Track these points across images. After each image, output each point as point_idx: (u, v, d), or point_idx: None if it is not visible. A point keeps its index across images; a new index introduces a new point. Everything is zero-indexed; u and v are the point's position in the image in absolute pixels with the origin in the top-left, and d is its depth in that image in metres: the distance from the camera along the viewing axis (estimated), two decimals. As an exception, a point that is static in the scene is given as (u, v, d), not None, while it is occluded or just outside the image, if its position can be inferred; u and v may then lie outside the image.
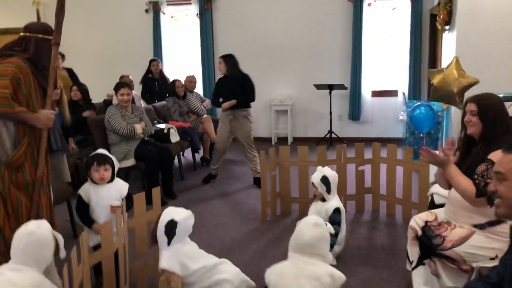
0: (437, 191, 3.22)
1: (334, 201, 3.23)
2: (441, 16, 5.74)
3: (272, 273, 2.30)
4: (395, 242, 3.54)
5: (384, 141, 7.26)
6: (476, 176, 2.37)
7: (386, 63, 7.52)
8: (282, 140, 7.96)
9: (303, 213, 4.14)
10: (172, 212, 2.29)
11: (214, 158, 5.35)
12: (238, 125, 5.16)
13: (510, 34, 5.22)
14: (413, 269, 2.67)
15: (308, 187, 4.11)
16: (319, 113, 7.81)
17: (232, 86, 5.14)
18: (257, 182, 5.16)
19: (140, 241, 2.76)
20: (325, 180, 3.22)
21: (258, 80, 7.83)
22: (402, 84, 7.45)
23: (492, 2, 5.22)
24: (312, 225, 2.32)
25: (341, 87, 7.25)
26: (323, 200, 3.27)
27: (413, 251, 2.70)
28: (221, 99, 5.22)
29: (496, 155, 2.33)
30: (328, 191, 3.23)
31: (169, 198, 4.76)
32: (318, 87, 7.34)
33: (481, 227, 2.45)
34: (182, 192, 5.04)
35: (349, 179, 4.30)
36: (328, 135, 7.44)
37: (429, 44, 7.30)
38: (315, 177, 3.27)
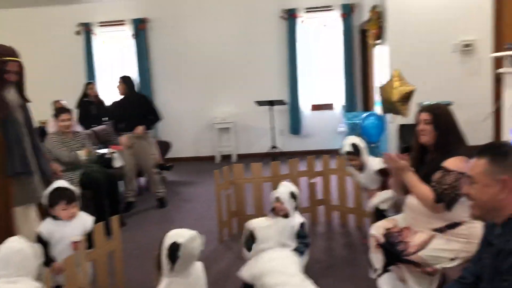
0: (379, 200, 3.41)
1: (298, 216, 3.23)
2: (373, 31, 6.06)
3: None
4: (352, 251, 3.62)
5: (325, 153, 7.47)
6: (433, 183, 2.48)
7: (322, 77, 7.80)
8: (226, 158, 7.94)
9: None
10: (175, 234, 2.17)
11: (125, 184, 5.16)
12: (141, 149, 5.00)
13: (437, 46, 5.61)
14: (378, 276, 2.74)
15: (263, 203, 4.12)
16: (261, 129, 7.89)
17: (134, 108, 4.94)
18: (161, 202, 5.17)
19: (102, 273, 2.61)
20: (293, 195, 3.18)
21: (198, 100, 7.86)
22: (338, 97, 7.73)
23: (420, 18, 5.60)
24: None
25: (281, 102, 7.40)
26: (286, 216, 3.24)
27: (377, 259, 2.77)
28: (121, 124, 4.98)
29: (450, 163, 2.47)
30: (296, 207, 3.23)
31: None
32: (259, 103, 7.43)
33: (440, 230, 2.57)
34: (130, 218, 4.86)
35: (301, 192, 4.36)
36: (272, 150, 7.53)
37: (360, 58, 7.67)
38: (283, 192, 3.12)
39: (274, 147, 7.51)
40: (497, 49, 5.52)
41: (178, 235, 2.13)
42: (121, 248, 2.97)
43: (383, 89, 4.64)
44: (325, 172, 4.29)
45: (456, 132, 2.58)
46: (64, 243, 2.50)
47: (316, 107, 7.83)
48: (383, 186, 3.44)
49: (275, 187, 3.99)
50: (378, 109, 6.32)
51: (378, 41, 6.17)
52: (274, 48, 7.77)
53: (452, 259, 2.55)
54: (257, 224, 2.67)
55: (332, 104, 7.79)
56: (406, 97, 4.68)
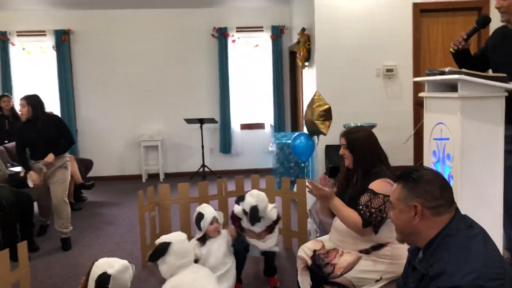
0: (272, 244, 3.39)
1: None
2: (301, 54, 6.17)
3: None
4: (280, 272, 3.55)
5: (255, 172, 7.50)
6: (360, 207, 2.49)
7: (253, 97, 7.81)
8: (153, 177, 7.66)
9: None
10: (104, 264, 1.96)
11: (39, 206, 4.76)
12: (52, 176, 4.36)
13: (362, 70, 5.81)
14: (306, 299, 2.70)
15: (191, 225, 3.97)
16: (190, 147, 7.73)
17: (42, 133, 4.25)
18: (65, 244, 4.34)
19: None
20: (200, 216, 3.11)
21: (125, 116, 7.56)
22: (268, 117, 7.78)
23: (346, 42, 5.78)
24: None
25: (212, 121, 7.30)
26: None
27: (305, 281, 2.73)
28: (28, 151, 4.39)
29: (376, 185, 2.50)
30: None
31: (29, 251, 4.17)
32: (189, 121, 7.28)
33: (366, 252, 2.58)
34: (44, 242, 4.48)
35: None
36: (201, 169, 7.37)
37: (290, 79, 7.80)
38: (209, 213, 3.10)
39: (203, 166, 7.37)
40: (416, 75, 5.84)
41: (108, 264, 1.94)
42: (30, 278, 2.68)
43: (306, 110, 4.70)
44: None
45: (372, 155, 2.60)
46: None
47: (246, 126, 7.82)
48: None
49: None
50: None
51: (306, 63, 6.29)
52: (205, 66, 7.69)
53: (377, 281, 2.56)
54: (174, 238, 2.52)
55: (263, 123, 7.81)
56: (323, 116, 4.77)
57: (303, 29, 6.23)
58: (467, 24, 5.85)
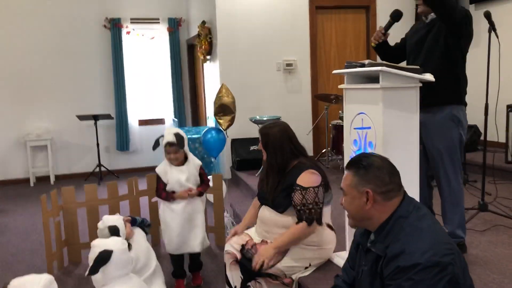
0: None
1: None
2: (203, 47, 6.10)
3: None
4: (202, 269, 3.48)
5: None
6: (298, 208, 2.53)
7: (151, 91, 7.53)
8: (42, 180, 7.01)
9: (96, 259, 3.71)
10: (23, 283, 1.69)
11: None
12: None
13: (263, 65, 5.92)
14: (237, 293, 2.68)
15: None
16: (83, 146, 7.21)
17: None
18: None
19: None
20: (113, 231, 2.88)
21: (6, 114, 6.79)
22: (167, 112, 7.57)
23: (248, 36, 5.84)
24: None
25: (107, 117, 6.88)
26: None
27: (235, 276, 2.71)
28: None
29: (302, 179, 2.56)
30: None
31: None
32: (82, 118, 6.78)
33: (293, 240, 2.63)
34: None
35: (143, 213, 4.04)
36: (97, 169, 6.92)
37: (188, 73, 7.66)
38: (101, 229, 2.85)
39: (99, 165, 6.93)
40: (313, 69, 6.12)
41: (27, 282, 1.70)
42: None
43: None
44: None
45: (285, 151, 2.65)
46: None
47: (144, 122, 7.52)
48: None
49: (112, 210, 3.66)
50: (211, 123, 6.38)
51: (208, 57, 6.23)
52: (98, 59, 7.21)
53: (306, 267, 2.64)
54: (115, 247, 2.29)
55: (163, 119, 7.57)
56: (222, 110, 4.75)
57: (204, 22, 6.16)
58: (357, 21, 6.29)
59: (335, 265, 2.73)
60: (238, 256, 2.70)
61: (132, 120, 7.39)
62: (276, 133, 2.67)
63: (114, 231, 2.69)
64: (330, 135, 5.57)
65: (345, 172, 1.62)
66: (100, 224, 2.78)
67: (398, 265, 1.38)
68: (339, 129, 5.35)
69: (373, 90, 2.38)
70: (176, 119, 6.65)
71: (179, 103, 7.53)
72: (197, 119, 7.70)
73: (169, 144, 3.13)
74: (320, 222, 2.59)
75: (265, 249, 2.56)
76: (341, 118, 5.16)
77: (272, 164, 2.68)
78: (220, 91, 4.31)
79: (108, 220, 2.78)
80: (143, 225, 3.03)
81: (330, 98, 5.43)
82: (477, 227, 3.19)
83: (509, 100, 4.64)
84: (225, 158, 5.96)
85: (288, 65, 6.02)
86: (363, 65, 2.46)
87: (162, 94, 7.54)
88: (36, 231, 4.58)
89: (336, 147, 5.42)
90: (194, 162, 3.29)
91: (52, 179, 6.95)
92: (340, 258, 2.78)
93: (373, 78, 2.48)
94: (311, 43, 6.10)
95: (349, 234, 2.75)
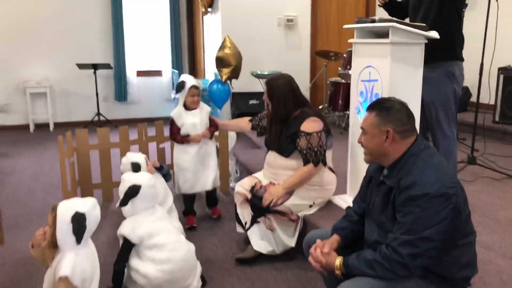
0: None
1: None
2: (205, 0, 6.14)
3: None
4: (209, 212, 3.71)
5: (154, 120, 7.40)
6: (304, 151, 2.76)
7: (149, 43, 7.57)
8: (42, 127, 7.12)
9: (107, 199, 3.93)
10: (72, 205, 1.89)
11: None
12: None
13: (265, 19, 6.00)
14: (248, 229, 2.93)
15: (112, 171, 3.92)
16: (82, 95, 7.30)
17: None
18: None
19: None
20: (136, 166, 3.09)
21: (3, 59, 6.79)
22: (165, 64, 7.64)
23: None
24: None
25: (107, 66, 6.95)
26: None
27: (245, 213, 2.96)
28: None
29: (306, 126, 2.78)
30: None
31: None
32: (81, 66, 6.84)
33: (298, 180, 2.88)
34: None
35: (151, 158, 4.23)
36: (96, 118, 7.05)
37: (187, 25, 7.68)
38: (124, 164, 3.05)
39: (98, 114, 7.05)
40: (313, 26, 6.23)
41: (77, 205, 1.91)
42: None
43: (223, 54, 4.72)
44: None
45: (288, 102, 2.85)
46: None
47: (142, 73, 7.60)
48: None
49: (123, 153, 3.84)
50: (210, 75, 6.50)
51: (209, 9, 6.27)
52: (97, 8, 7.20)
53: (310, 206, 2.90)
54: (144, 182, 2.50)
55: (161, 71, 7.66)
56: (219, 62, 4.86)
57: (206, -26, 6.16)
58: (358, -21, 6.35)
59: (335, 206, 3.01)
60: (248, 195, 2.94)
61: (131, 71, 7.46)
62: (281, 85, 2.87)
63: (136, 167, 2.90)
64: (328, 92, 5.75)
65: (367, 113, 1.82)
66: (124, 159, 2.99)
67: (409, 194, 1.62)
68: (336, 86, 5.53)
69: (382, 44, 2.56)
70: (176, 71, 6.74)
71: (177, 55, 7.60)
72: (194, 71, 7.80)
73: (194, 87, 3.35)
74: (324, 163, 2.83)
75: (276, 188, 2.81)
76: (340, 75, 5.34)
77: (276, 114, 2.88)
78: (223, 44, 4.43)
79: (131, 156, 2.99)
80: (166, 174, 3.23)
81: (330, 55, 5.58)
82: (466, 178, 3.47)
83: (501, 63, 4.85)
84: (224, 111, 6.13)
85: (288, 20, 6.11)
86: (373, 21, 2.63)
87: (160, 46, 7.59)
88: (44, 173, 4.77)
89: (333, 104, 5.61)
90: (204, 108, 3.48)
91: (52, 127, 7.08)
92: (340, 200, 3.05)
93: (381, 34, 2.66)
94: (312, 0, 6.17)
95: (350, 179, 3.01)
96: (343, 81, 5.45)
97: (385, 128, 1.74)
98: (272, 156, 2.97)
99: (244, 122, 3.36)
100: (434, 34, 2.53)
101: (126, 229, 2.40)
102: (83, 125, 7.09)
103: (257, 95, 5.81)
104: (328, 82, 5.75)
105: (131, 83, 7.50)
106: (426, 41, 2.57)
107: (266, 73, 5.59)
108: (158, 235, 2.41)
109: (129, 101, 7.55)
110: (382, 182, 1.79)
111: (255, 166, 4.01)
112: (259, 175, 3.12)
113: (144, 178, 2.49)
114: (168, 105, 7.67)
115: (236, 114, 5.86)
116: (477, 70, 3.68)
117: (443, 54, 2.84)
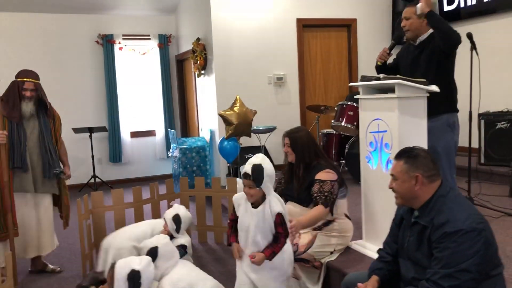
0: None
1: (182, 239, 3.31)
2: (198, 62, 6.47)
3: None
4: (225, 264, 3.80)
5: (148, 180, 7.51)
6: (315, 195, 2.96)
7: (142, 104, 7.80)
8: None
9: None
10: (127, 263, 1.99)
11: None
12: None
13: (256, 78, 6.35)
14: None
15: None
16: (77, 158, 7.36)
17: None
18: None
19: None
20: (177, 219, 3.26)
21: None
22: (158, 124, 7.84)
23: (240, 53, 6.26)
24: None
25: (102, 129, 7.11)
26: (171, 237, 3.29)
27: (269, 263, 3.08)
28: None
29: (321, 175, 2.99)
30: (178, 230, 3.30)
31: None
32: (77, 130, 6.97)
33: (319, 228, 3.06)
34: None
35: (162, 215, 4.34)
36: (91, 180, 7.11)
37: (177, 87, 7.99)
38: (168, 214, 3.27)
39: (94, 176, 7.12)
40: (301, 83, 6.61)
41: (132, 262, 2.03)
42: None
43: (233, 114, 4.97)
44: (183, 194, 4.40)
45: (311, 151, 3.11)
46: None
47: (135, 134, 7.77)
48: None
49: (138, 213, 3.96)
50: (205, 133, 6.73)
51: (203, 71, 6.59)
52: (91, 74, 7.44)
53: (331, 252, 3.06)
54: (159, 242, 2.64)
55: (154, 130, 7.85)
56: (224, 121, 5.16)
57: (198, 39, 6.53)
58: (339, 38, 6.85)
59: (354, 251, 3.17)
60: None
61: (124, 132, 7.62)
62: (303, 136, 3.12)
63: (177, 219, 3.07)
64: (321, 143, 6.03)
65: (395, 161, 2.05)
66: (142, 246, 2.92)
67: (445, 231, 1.82)
68: (329, 137, 5.83)
69: (389, 99, 2.85)
70: (173, 130, 6.93)
71: (169, 115, 7.83)
72: (186, 130, 8.02)
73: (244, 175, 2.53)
74: (331, 210, 3.01)
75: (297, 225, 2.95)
76: (333, 127, 5.64)
77: (300, 162, 3.09)
78: (233, 103, 4.72)
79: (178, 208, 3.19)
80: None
81: (321, 108, 5.91)
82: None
83: (481, 109, 5.25)
84: (221, 166, 6.32)
85: (278, 78, 6.47)
86: (378, 79, 2.93)
87: (153, 107, 7.82)
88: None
89: (327, 154, 5.88)
90: (271, 205, 2.51)
91: (46, 191, 7.05)
92: (358, 245, 3.22)
93: (384, 90, 2.96)
94: (299, 59, 6.59)
95: (365, 225, 3.20)
96: (334, 132, 5.76)
97: (414, 174, 1.96)
98: (291, 206, 3.14)
99: None
100: (435, 88, 2.84)
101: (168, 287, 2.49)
102: (78, 187, 7.12)
103: (254, 149, 6.03)
104: (320, 133, 6.04)
105: (125, 144, 7.64)
106: (428, 94, 2.88)
107: (261, 128, 5.85)
108: (197, 285, 2.52)
109: (124, 161, 7.65)
110: (415, 223, 1.99)
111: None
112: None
113: (158, 239, 2.64)
114: (162, 164, 7.82)
115: (234, 169, 6.04)
116: (464, 117, 4.00)
117: (445, 107, 3.18)
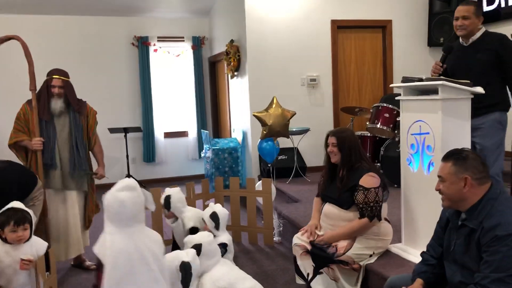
0: None
1: (223, 237, 3.34)
2: (232, 64, 6.51)
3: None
4: (260, 265, 3.82)
5: (180, 180, 7.61)
6: (361, 206, 2.93)
7: (176, 105, 7.91)
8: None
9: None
10: (175, 256, 2.04)
11: None
12: None
13: (289, 80, 6.35)
14: (310, 280, 3.03)
15: (163, 230, 4.07)
16: (111, 158, 7.50)
17: None
18: None
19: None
20: (214, 216, 3.30)
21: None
22: (191, 125, 7.94)
23: (274, 55, 6.27)
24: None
25: (137, 129, 7.25)
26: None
27: (307, 265, 3.08)
28: None
29: (364, 181, 2.96)
30: (217, 227, 3.33)
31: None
32: (113, 130, 7.13)
33: (359, 231, 3.03)
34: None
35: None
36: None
37: (210, 88, 8.07)
38: (205, 213, 3.32)
39: (128, 175, 7.25)
40: (335, 84, 6.56)
41: (180, 255, 2.08)
42: None
43: (268, 115, 4.96)
44: (218, 194, 4.45)
45: (357, 152, 3.09)
46: (14, 268, 2.18)
47: (169, 134, 7.89)
48: None
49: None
50: (237, 134, 6.76)
51: (236, 73, 6.64)
52: (127, 75, 7.60)
53: (370, 255, 3.03)
54: (203, 240, 2.66)
55: (187, 131, 7.95)
56: (260, 121, 5.15)
57: (232, 41, 6.58)
58: (374, 40, 6.77)
59: (393, 254, 3.13)
60: (308, 247, 3.07)
61: (158, 133, 7.74)
62: (349, 136, 3.11)
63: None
64: (355, 145, 5.97)
65: (442, 162, 2.02)
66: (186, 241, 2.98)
67: (496, 234, 1.78)
68: (363, 139, 5.77)
69: (432, 101, 2.80)
70: (206, 131, 7.01)
71: (202, 116, 7.92)
72: (218, 131, 8.08)
73: None
74: (379, 218, 2.99)
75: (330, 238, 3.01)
76: (368, 129, 5.58)
77: (347, 161, 3.06)
78: (269, 104, 4.75)
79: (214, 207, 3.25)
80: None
81: (355, 110, 5.87)
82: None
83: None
84: (252, 167, 6.34)
85: (311, 80, 6.45)
86: (420, 80, 2.89)
87: (185, 108, 7.92)
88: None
89: (361, 156, 5.84)
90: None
91: (83, 189, 7.24)
92: (397, 248, 3.17)
93: (427, 91, 2.92)
94: (333, 60, 6.55)
95: (405, 229, 3.15)
96: (369, 134, 5.70)
97: (463, 176, 1.92)
98: (331, 208, 3.12)
99: (318, 202, 3.33)
100: (480, 89, 2.78)
101: (208, 286, 2.52)
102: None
103: (285, 151, 6.02)
104: (354, 136, 5.98)
105: (159, 144, 7.77)
106: (472, 96, 2.82)
107: (294, 129, 5.85)
108: (237, 284, 2.54)
109: (157, 161, 7.77)
110: (462, 225, 1.95)
111: (298, 219, 4.15)
112: (307, 227, 3.25)
113: (202, 236, 2.67)
114: (194, 164, 7.90)
115: (266, 170, 6.05)
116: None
117: (498, 104, 3.24)
